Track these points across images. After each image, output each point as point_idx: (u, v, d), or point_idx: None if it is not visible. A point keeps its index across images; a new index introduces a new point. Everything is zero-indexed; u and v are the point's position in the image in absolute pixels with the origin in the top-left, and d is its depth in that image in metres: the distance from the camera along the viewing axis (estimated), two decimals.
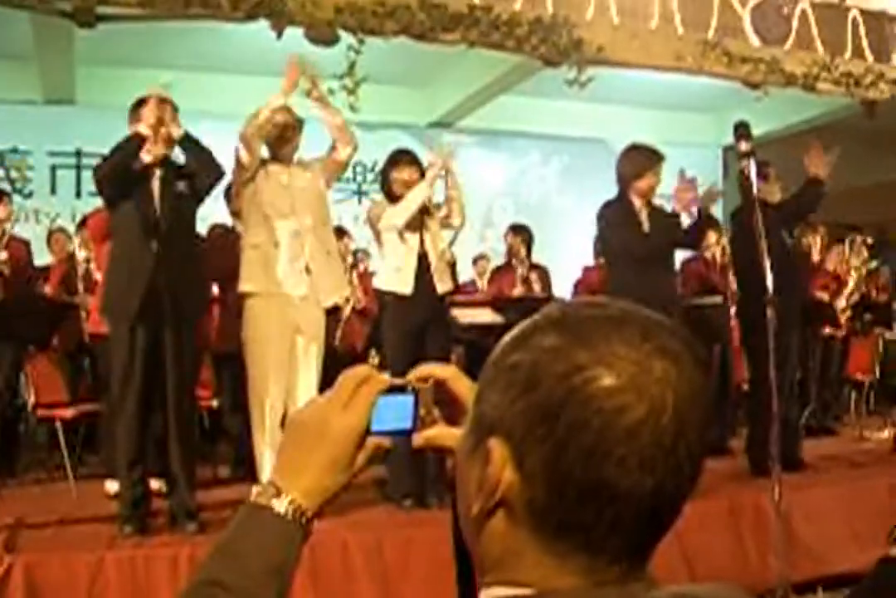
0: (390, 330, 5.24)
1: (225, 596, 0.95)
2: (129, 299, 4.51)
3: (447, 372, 1.09)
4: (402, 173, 5.30)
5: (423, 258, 5.21)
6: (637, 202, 5.56)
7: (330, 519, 4.71)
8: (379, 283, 5.39)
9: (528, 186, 11.27)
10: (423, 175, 5.29)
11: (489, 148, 10.95)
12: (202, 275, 4.95)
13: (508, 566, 0.88)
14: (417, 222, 5.23)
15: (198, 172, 4.70)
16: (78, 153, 9.64)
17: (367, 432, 0.99)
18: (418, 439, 1.05)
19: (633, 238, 5.44)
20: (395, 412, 1.00)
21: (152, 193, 4.58)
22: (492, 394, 0.88)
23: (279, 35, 6.27)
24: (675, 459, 0.82)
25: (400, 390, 1.02)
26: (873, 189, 11.79)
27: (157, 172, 4.62)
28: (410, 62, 8.66)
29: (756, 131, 7.80)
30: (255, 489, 1.01)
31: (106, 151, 9.07)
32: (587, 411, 0.81)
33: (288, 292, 4.90)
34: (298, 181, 5.08)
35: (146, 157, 4.60)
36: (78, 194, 9.64)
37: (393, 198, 5.29)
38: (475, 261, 8.95)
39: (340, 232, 6.85)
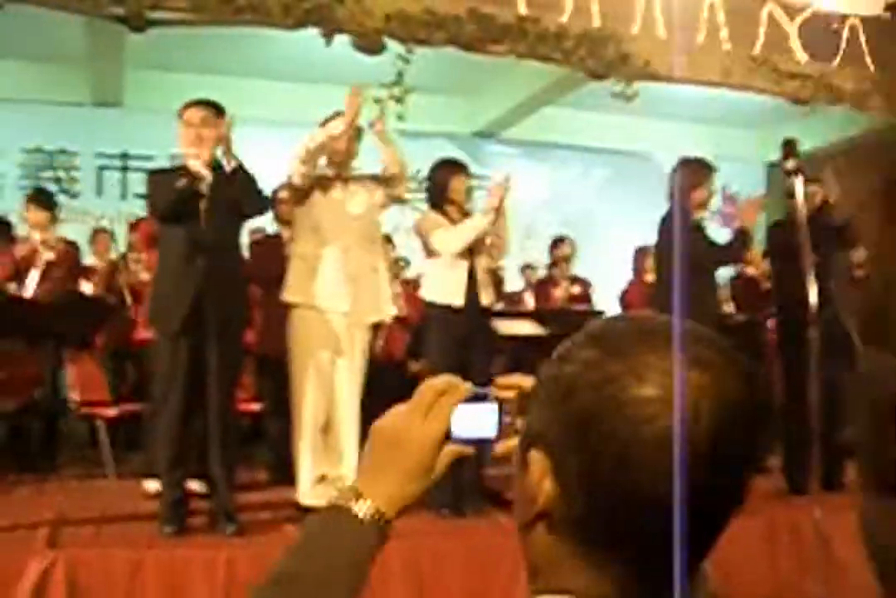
0: (436, 341, 5.26)
1: (299, 591, 0.98)
2: (174, 312, 4.57)
3: (531, 383, 1.10)
4: (461, 183, 5.31)
5: (471, 271, 5.24)
6: (696, 214, 5.53)
7: None
8: (427, 294, 5.41)
9: (571, 198, 11.25)
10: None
11: (532, 159, 10.94)
12: (245, 288, 4.97)
13: (552, 574, 0.90)
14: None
15: (243, 203, 4.71)
16: (124, 155, 9.74)
17: (448, 439, 1.03)
18: (500, 448, 1.06)
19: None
20: (476, 421, 1.02)
21: (199, 209, 4.59)
22: (535, 406, 0.91)
23: (328, 42, 6.31)
24: (710, 469, 0.82)
25: (482, 399, 1.03)
26: None
27: (204, 189, 4.62)
28: (455, 71, 8.69)
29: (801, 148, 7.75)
30: (335, 492, 1.04)
31: (151, 153, 9.26)
32: (618, 420, 0.82)
33: (331, 308, 4.92)
34: (352, 198, 5.09)
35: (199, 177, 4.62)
36: (123, 196, 9.74)
37: (447, 204, 5.29)
38: (522, 270, 8.96)
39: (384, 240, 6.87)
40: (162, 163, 9.35)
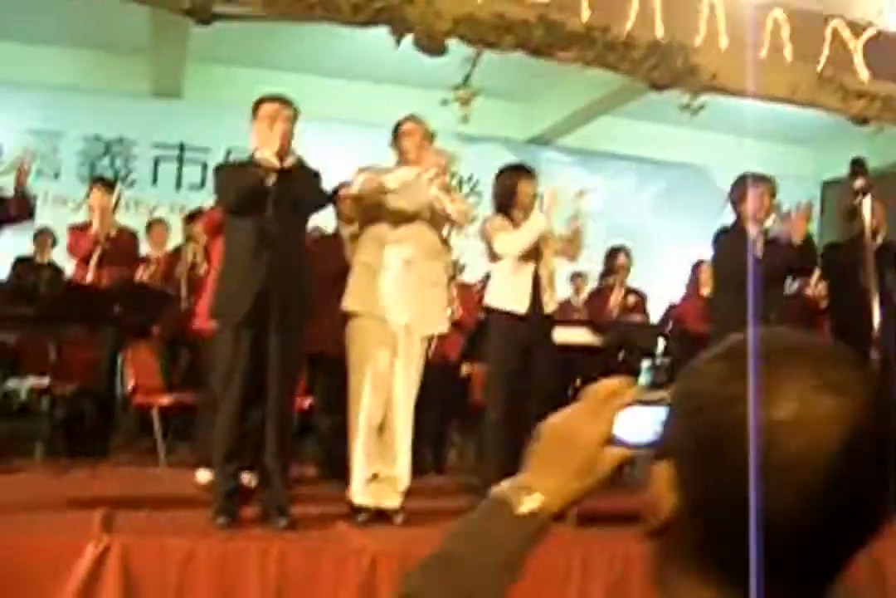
0: (497, 347, 5.26)
1: (455, 573, 0.99)
2: (238, 305, 4.58)
3: None
4: (528, 187, 5.32)
5: (536, 279, 5.23)
6: (751, 229, 5.49)
7: (426, 530, 4.74)
8: (491, 299, 5.40)
9: (623, 208, 11.22)
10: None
11: (586, 168, 10.92)
12: (309, 282, 4.98)
13: (671, 587, 0.90)
14: (534, 244, 5.25)
15: (303, 200, 4.73)
16: (181, 147, 9.81)
17: (616, 441, 1.02)
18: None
19: (741, 263, 5.39)
20: (645, 425, 1.01)
21: (266, 204, 4.61)
22: (668, 419, 0.92)
23: (398, 42, 6.32)
24: (842, 497, 0.81)
25: (652, 403, 1.02)
26: None
27: (272, 183, 4.64)
28: (513, 77, 8.69)
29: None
30: (503, 484, 1.05)
31: (208, 145, 9.33)
32: (743, 442, 0.81)
33: (390, 319, 4.92)
34: (418, 211, 5.08)
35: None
36: (178, 187, 9.81)
37: (513, 209, 5.30)
38: (572, 278, 8.93)
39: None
40: (218, 156, 9.44)
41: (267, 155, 4.61)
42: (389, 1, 6.17)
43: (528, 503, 1.01)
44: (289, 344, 4.66)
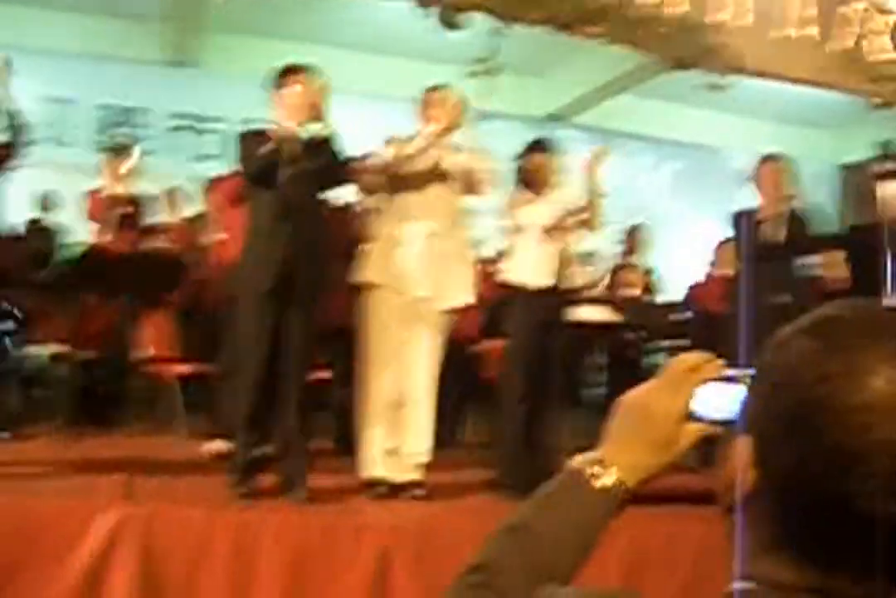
0: (520, 322, 5.23)
1: (531, 543, 0.99)
2: (261, 278, 4.55)
3: None
4: (551, 162, 5.28)
5: (560, 254, 5.19)
6: (766, 209, 5.46)
7: (441, 504, 4.73)
8: (513, 275, 5.36)
9: (639, 188, 11.16)
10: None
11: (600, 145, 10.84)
12: (328, 255, 4.95)
13: (750, 565, 0.87)
14: (556, 220, 5.21)
15: (322, 176, 4.68)
16: (198, 116, 9.75)
17: (694, 417, 1.01)
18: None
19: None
20: (722, 401, 0.99)
21: (286, 176, 4.56)
22: (752, 393, 0.90)
23: (426, 15, 6.25)
24: None
25: (732, 380, 1.00)
26: None
27: (291, 154, 4.58)
28: (530, 53, 8.59)
29: (870, 152, 7.67)
30: (579, 457, 1.04)
31: (224, 115, 9.26)
32: (829, 423, 0.79)
33: (411, 291, 4.88)
34: (441, 182, 5.02)
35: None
36: (195, 156, 9.75)
37: (537, 184, 5.26)
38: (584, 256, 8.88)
39: None
40: (234, 126, 9.38)
41: (291, 126, 4.57)
42: None
43: (605, 478, 1.01)
44: (308, 316, 4.64)
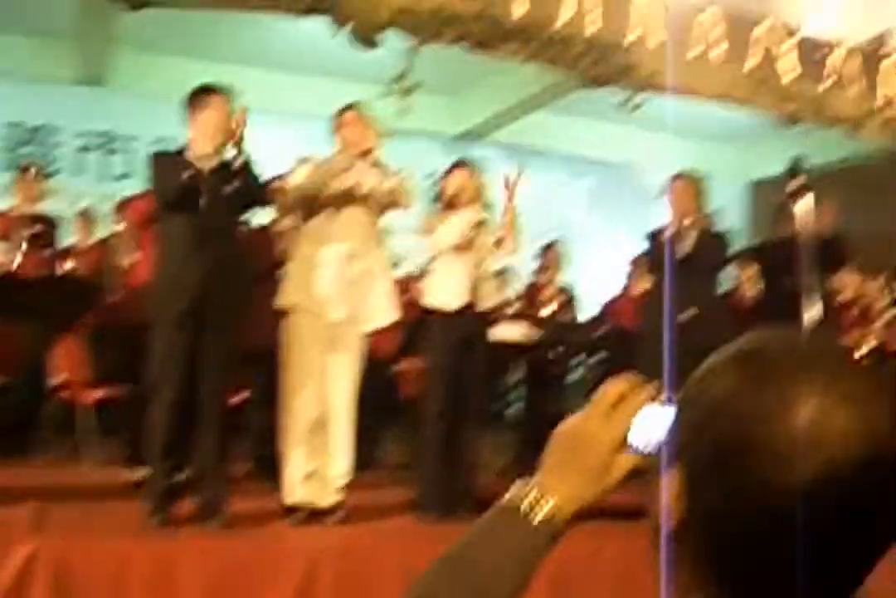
0: (436, 343, 5.23)
1: (466, 576, 0.97)
2: (174, 303, 4.49)
3: None
4: (468, 181, 5.27)
5: (473, 274, 5.21)
6: (678, 225, 5.55)
7: (363, 527, 4.69)
8: (428, 295, 5.37)
9: (554, 205, 11.23)
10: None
11: (516, 164, 10.85)
12: (245, 279, 4.89)
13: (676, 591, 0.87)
14: (470, 239, 5.21)
15: (241, 196, 4.63)
16: (107, 135, 9.59)
17: (628, 445, 1.00)
18: None
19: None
20: (657, 429, 0.98)
21: (201, 200, 4.49)
22: (679, 426, 0.89)
23: (336, 33, 6.23)
24: (857, 516, 0.78)
25: (666, 403, 0.99)
26: (883, 235, 11.78)
27: (208, 177, 4.53)
28: (443, 71, 8.60)
29: (782, 168, 7.82)
30: (514, 488, 1.02)
31: (135, 134, 9.12)
32: (757, 457, 0.79)
33: (329, 314, 4.84)
34: (357, 202, 4.99)
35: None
36: (104, 176, 9.58)
37: (454, 204, 5.26)
38: (497, 274, 8.90)
39: None
40: (146, 145, 9.26)
41: (208, 150, 4.52)
42: None
43: (541, 510, 0.99)
44: (224, 341, 4.59)
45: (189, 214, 4.49)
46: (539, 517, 0.98)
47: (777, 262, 5.99)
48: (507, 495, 1.02)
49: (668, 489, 0.87)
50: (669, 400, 0.98)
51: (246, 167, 4.60)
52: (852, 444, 0.77)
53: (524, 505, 0.99)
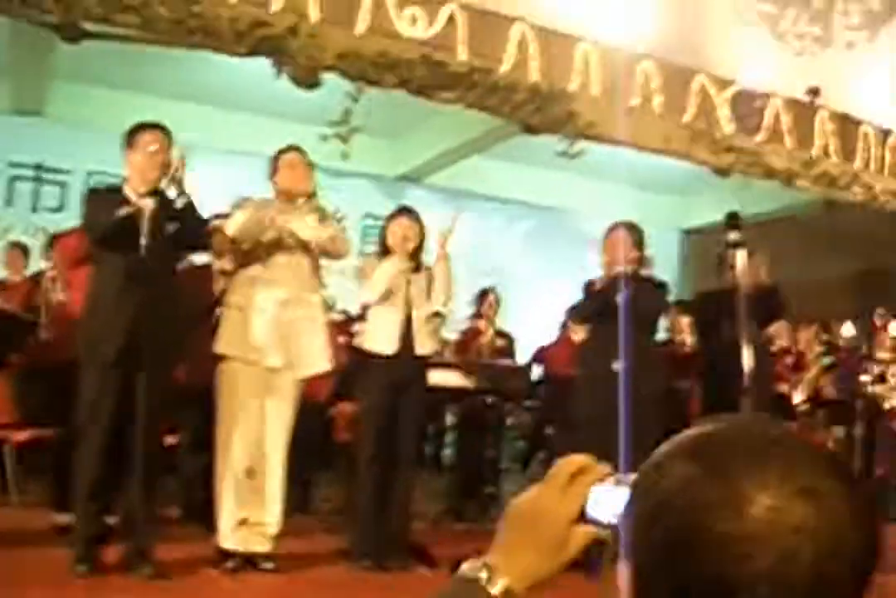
0: (369, 387, 5.19)
1: None
2: (107, 342, 4.40)
3: None
4: (403, 228, 5.25)
5: (407, 319, 5.17)
6: (612, 275, 5.57)
7: (295, 576, 4.60)
8: (362, 340, 5.34)
9: (491, 249, 11.27)
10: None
11: (453, 207, 10.84)
12: (180, 320, 4.79)
13: None
14: (403, 283, 5.19)
15: (178, 241, 4.57)
16: (39, 167, 9.43)
17: (584, 519, 1.00)
18: None
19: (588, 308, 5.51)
20: (611, 504, 0.98)
21: (139, 238, 4.42)
22: (629, 517, 0.88)
23: (278, 73, 6.22)
24: None
25: (618, 482, 1.00)
26: (815, 284, 12.02)
27: (147, 216, 4.45)
28: (383, 113, 8.63)
29: (714, 217, 7.96)
30: (468, 563, 1.01)
31: (67, 167, 8.99)
32: (707, 553, 0.77)
33: (263, 362, 4.78)
34: (292, 250, 4.95)
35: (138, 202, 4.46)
36: (35, 208, 9.42)
37: (390, 250, 5.24)
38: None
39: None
40: (79, 178, 9.12)
41: (142, 189, 4.45)
42: (273, 31, 6.09)
43: (496, 587, 0.97)
44: (157, 383, 4.49)
45: (124, 252, 4.41)
46: (492, 593, 0.97)
47: (714, 312, 6.05)
48: (463, 570, 1.00)
49: (620, 585, 0.86)
50: (619, 482, 0.98)
51: (188, 208, 4.52)
52: (807, 538, 0.76)
53: (478, 581, 0.98)
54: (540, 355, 8.39)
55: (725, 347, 4.54)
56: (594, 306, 5.63)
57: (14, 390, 6.16)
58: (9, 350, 5.89)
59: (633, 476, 1.00)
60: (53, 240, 6.70)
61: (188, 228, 4.55)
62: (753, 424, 0.87)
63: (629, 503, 0.89)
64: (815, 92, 9.12)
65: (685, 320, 7.36)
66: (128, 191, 4.52)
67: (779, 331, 7.86)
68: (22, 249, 7.53)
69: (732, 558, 0.75)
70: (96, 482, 4.36)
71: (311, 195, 4.98)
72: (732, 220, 4.51)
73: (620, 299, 5.53)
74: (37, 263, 7.23)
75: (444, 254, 5.33)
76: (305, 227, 4.85)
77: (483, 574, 0.98)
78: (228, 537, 4.67)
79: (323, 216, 5.00)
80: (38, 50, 7.68)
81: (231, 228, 4.87)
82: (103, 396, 4.38)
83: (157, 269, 4.48)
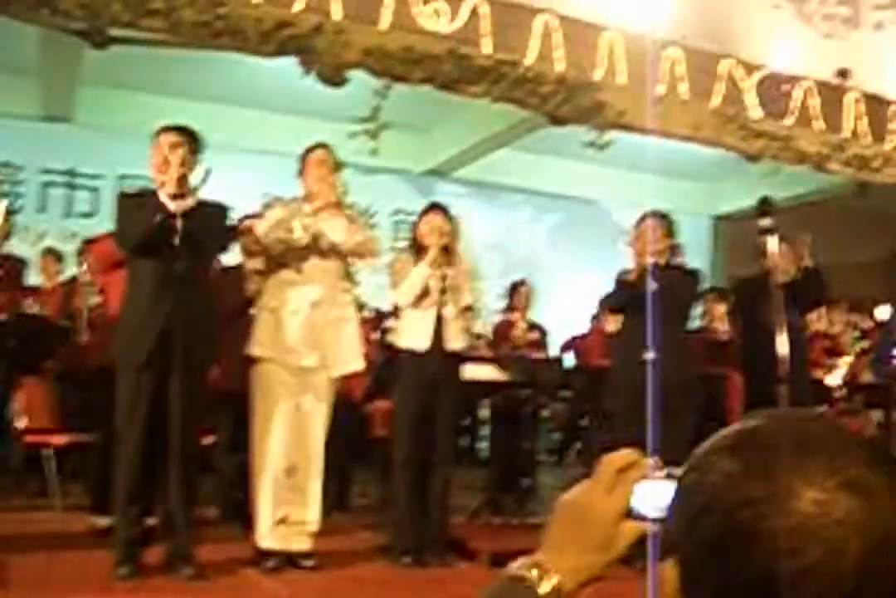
0: (403, 385, 5.20)
1: None
2: (140, 347, 4.43)
3: None
4: (435, 226, 5.24)
5: (438, 315, 5.18)
6: (644, 264, 5.53)
7: (335, 573, 4.62)
8: (395, 338, 5.35)
9: (518, 241, 11.27)
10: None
11: (483, 200, 10.93)
12: (215, 322, 4.80)
13: None
14: (434, 280, 5.18)
15: (208, 240, 4.59)
16: (71, 172, 9.51)
17: (631, 515, 1.00)
18: None
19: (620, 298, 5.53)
20: (658, 498, 0.97)
21: (173, 242, 4.44)
22: (674, 515, 0.88)
23: (307, 73, 6.23)
24: None
25: (665, 476, 0.99)
26: (848, 268, 11.92)
27: (179, 220, 4.48)
28: (410, 108, 8.64)
29: (745, 203, 7.90)
30: (518, 562, 1.00)
31: (99, 172, 9.07)
32: (755, 549, 0.76)
33: (297, 363, 4.80)
34: (317, 254, 4.95)
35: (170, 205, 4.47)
36: (67, 214, 9.50)
37: (422, 248, 5.23)
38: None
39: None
40: (110, 183, 9.18)
41: (165, 196, 4.47)
42: (298, 30, 6.09)
43: (545, 585, 0.97)
44: (191, 386, 4.50)
45: (153, 259, 4.43)
46: (542, 591, 0.97)
47: (753, 298, 6.00)
48: (512, 569, 1.00)
49: (665, 582, 0.85)
50: (669, 476, 0.98)
51: (206, 209, 4.54)
52: (854, 531, 0.75)
53: (528, 580, 0.98)
54: (570, 345, 8.36)
55: (764, 333, 4.50)
56: (626, 296, 5.60)
57: (52, 394, 6.22)
58: (43, 357, 5.95)
59: (680, 470, 1.01)
60: (86, 245, 6.76)
61: (220, 231, 4.57)
62: (796, 418, 0.86)
63: (674, 500, 0.89)
64: (844, 74, 9.02)
65: (720, 308, 7.31)
66: (161, 194, 4.53)
67: (813, 315, 7.78)
68: (56, 256, 7.60)
69: (780, 553, 0.75)
70: (135, 485, 4.39)
71: (339, 199, 4.97)
72: (764, 205, 4.47)
73: (652, 289, 5.51)
74: (71, 269, 7.29)
75: (459, 253, 5.32)
76: (335, 231, 4.86)
77: (532, 573, 0.98)
78: (267, 536, 4.69)
79: (352, 219, 5.01)
80: (66, 56, 7.75)
81: (260, 232, 4.87)
82: (138, 398, 4.41)
83: (188, 273, 4.50)
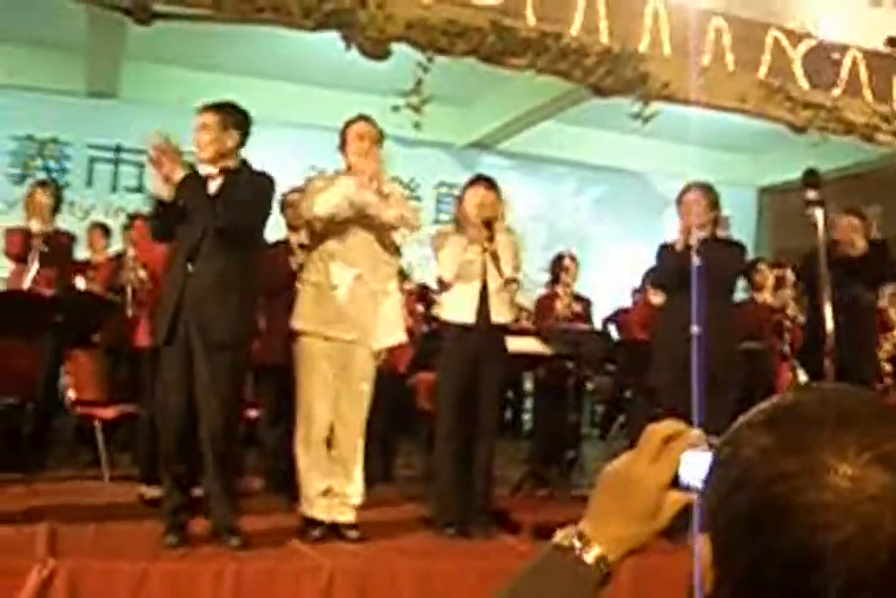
0: (448, 357, 5.22)
1: None
2: (162, 321, 4.47)
3: None
4: (479, 198, 5.23)
5: (483, 288, 5.18)
6: (688, 237, 5.47)
7: (379, 544, 4.67)
8: (440, 311, 5.37)
9: (562, 213, 11.24)
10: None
11: (527, 173, 10.90)
12: (243, 298, 4.64)
13: None
14: (479, 253, 5.18)
15: (239, 203, 4.56)
16: (117, 148, 9.60)
17: (676, 485, 1.00)
18: None
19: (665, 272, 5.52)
20: (703, 469, 0.97)
21: (206, 215, 4.44)
22: (709, 489, 0.88)
23: (348, 47, 6.23)
24: (892, 582, 0.75)
25: (709, 446, 0.99)
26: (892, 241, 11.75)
27: (212, 187, 4.50)
28: (454, 81, 8.61)
29: (789, 174, 7.80)
30: (562, 532, 1.02)
31: (144, 147, 9.14)
32: (789, 524, 0.77)
33: (339, 336, 4.82)
34: (367, 223, 4.94)
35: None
36: (114, 189, 9.60)
37: (465, 221, 5.23)
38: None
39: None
40: None
41: (210, 169, 4.51)
42: (341, 4, 6.08)
43: (586, 554, 0.99)
44: (218, 362, 4.44)
45: (189, 232, 4.47)
46: (587, 560, 0.98)
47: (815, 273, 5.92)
48: (557, 539, 1.02)
49: (699, 556, 0.85)
50: (713, 446, 0.97)
51: (261, 179, 4.57)
52: (888, 506, 0.75)
53: (573, 549, 1.00)
54: (614, 317, 8.33)
55: (817, 311, 4.46)
56: (671, 270, 5.56)
57: (101, 368, 6.32)
58: (92, 330, 6.03)
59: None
60: (132, 220, 6.83)
61: (247, 199, 4.55)
62: (832, 393, 0.86)
63: (709, 474, 0.89)
64: (893, 42, 8.88)
65: (767, 279, 7.24)
66: (201, 169, 4.57)
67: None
68: (103, 230, 7.67)
69: (814, 528, 0.75)
70: (177, 457, 4.44)
71: (380, 171, 4.94)
72: (810, 177, 4.41)
73: (696, 261, 5.47)
74: (118, 244, 7.38)
75: (502, 226, 5.30)
76: (377, 203, 4.85)
77: (577, 543, 0.99)
78: (312, 506, 4.74)
79: (392, 191, 5.00)
80: (110, 33, 7.80)
81: (309, 206, 4.86)
82: (172, 374, 4.46)
83: (217, 246, 4.47)
